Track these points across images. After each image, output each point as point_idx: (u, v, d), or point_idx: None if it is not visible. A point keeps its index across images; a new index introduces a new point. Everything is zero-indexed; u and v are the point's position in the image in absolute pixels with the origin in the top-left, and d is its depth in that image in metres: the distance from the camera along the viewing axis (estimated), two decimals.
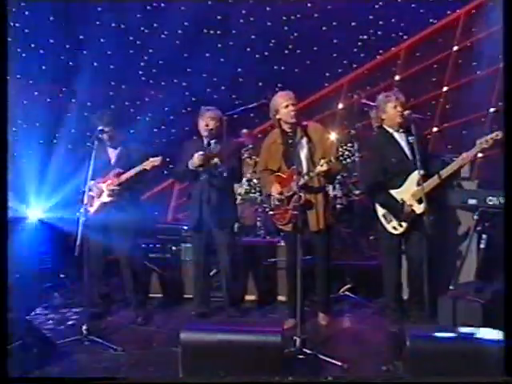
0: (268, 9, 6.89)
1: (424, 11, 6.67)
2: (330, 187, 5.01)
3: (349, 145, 3.90)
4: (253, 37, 7.04)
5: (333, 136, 5.59)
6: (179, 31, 6.90)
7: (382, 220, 4.12)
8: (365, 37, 7.06)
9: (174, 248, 5.12)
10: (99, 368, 3.58)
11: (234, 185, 4.78)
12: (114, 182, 4.35)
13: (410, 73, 6.71)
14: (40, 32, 6.65)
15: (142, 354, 3.81)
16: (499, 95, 6.09)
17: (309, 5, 6.86)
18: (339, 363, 3.56)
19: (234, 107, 6.84)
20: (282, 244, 4.90)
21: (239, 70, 6.99)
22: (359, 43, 7.14)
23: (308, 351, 3.66)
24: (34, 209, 5.91)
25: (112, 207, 4.41)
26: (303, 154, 4.12)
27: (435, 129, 6.56)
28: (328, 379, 3.40)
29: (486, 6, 6.37)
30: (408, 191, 4.03)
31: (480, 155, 5.48)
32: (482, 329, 3.17)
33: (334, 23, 7.09)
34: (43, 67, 6.70)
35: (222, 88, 6.94)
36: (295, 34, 7.09)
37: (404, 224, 4.04)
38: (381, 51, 7.04)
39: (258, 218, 5.61)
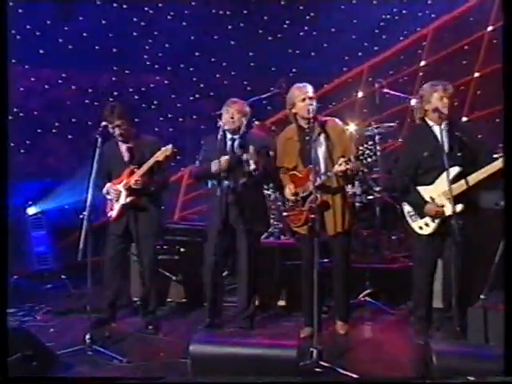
0: None
1: None
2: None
3: (370, 143, 3.84)
4: (265, 17, 6.94)
5: (352, 127, 5.55)
6: (186, 11, 6.82)
7: (408, 218, 4.06)
8: (388, 16, 6.93)
9: (182, 250, 5.11)
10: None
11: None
12: (130, 181, 4.31)
13: (437, 57, 6.56)
14: (36, 12, 6.58)
15: (148, 366, 3.80)
16: None
17: None
18: (358, 376, 3.53)
19: (246, 94, 6.80)
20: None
21: (251, 54, 6.93)
22: (381, 23, 7.01)
23: (325, 364, 3.64)
24: (31, 203, 5.95)
25: (133, 208, 4.37)
26: (321, 152, 4.08)
27: (464, 118, 6.42)
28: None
29: None
30: (438, 189, 3.93)
31: None
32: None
33: (354, 1, 6.97)
34: (40, 51, 6.65)
35: (233, 73, 6.90)
36: (311, 14, 6.99)
37: (432, 224, 3.96)
38: (405, 32, 6.89)
39: (272, 216, 5.55)
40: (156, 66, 6.94)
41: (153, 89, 6.95)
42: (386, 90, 5.39)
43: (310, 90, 4.10)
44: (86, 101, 6.81)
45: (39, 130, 6.67)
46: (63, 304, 5.06)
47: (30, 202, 5.80)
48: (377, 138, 5.38)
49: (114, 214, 4.40)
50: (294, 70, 6.92)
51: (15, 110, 6.49)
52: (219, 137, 4.16)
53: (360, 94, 6.39)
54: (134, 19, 6.80)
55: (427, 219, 3.95)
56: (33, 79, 6.69)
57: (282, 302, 4.94)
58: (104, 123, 4.20)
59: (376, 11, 6.87)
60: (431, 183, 3.96)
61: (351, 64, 6.90)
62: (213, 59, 6.84)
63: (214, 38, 6.89)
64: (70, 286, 5.47)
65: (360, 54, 6.98)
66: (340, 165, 3.83)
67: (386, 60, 6.71)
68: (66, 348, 3.92)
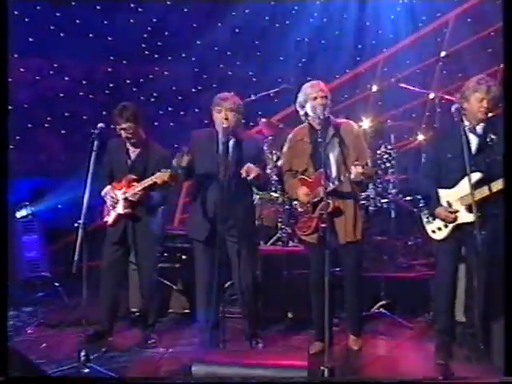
0: None
1: None
2: None
3: (389, 147, 3.79)
4: (272, 3, 6.85)
5: (366, 124, 5.49)
6: None
7: (424, 219, 4.06)
8: (405, 0, 6.82)
9: (184, 257, 5.07)
10: None
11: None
12: (128, 191, 4.30)
13: (459, 46, 6.41)
14: None
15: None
16: None
17: None
18: None
19: (251, 85, 6.75)
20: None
21: (257, 42, 6.85)
22: (398, 8, 6.90)
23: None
24: (21, 204, 5.87)
25: (129, 219, 4.37)
26: (334, 156, 4.02)
27: (490, 114, 6.31)
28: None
29: None
30: (457, 194, 3.88)
31: None
32: None
33: None
34: (30, 39, 6.57)
35: (238, 63, 6.83)
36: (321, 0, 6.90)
37: (444, 229, 3.92)
38: (424, 18, 6.78)
39: (280, 219, 5.51)
40: (155, 56, 6.87)
41: (152, 80, 6.89)
42: (402, 85, 5.32)
43: (323, 88, 4.04)
44: (80, 93, 6.76)
45: (29, 125, 6.61)
46: (56, 315, 5.00)
47: (21, 204, 5.73)
48: (392, 136, 5.33)
49: (110, 220, 4.38)
50: (303, 60, 6.85)
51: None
52: (214, 137, 4.07)
53: (374, 88, 6.27)
54: (131, 5, 6.72)
55: (440, 223, 3.94)
56: (22, 70, 6.62)
57: (290, 315, 4.90)
58: (101, 124, 4.13)
59: None
60: (452, 187, 3.91)
61: (364, 53, 6.84)
62: (216, 48, 6.76)
63: (218, 26, 6.79)
64: (63, 295, 5.42)
65: (374, 42, 6.87)
66: (355, 168, 3.78)
67: (403, 50, 6.61)
68: (59, 365, 3.86)
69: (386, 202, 5.39)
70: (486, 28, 6.33)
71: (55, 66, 6.78)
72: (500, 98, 3.85)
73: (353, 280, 4.20)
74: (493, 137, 3.83)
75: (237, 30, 6.81)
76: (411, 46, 6.64)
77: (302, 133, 4.16)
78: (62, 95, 6.76)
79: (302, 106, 4.08)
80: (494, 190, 3.75)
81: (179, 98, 6.87)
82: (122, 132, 4.29)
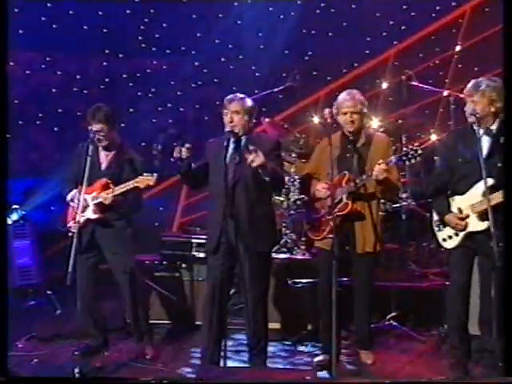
0: None
1: None
2: None
3: (415, 145, 3.87)
4: None
5: (375, 123, 5.44)
6: None
7: (435, 227, 4.08)
8: None
9: (183, 265, 5.05)
10: None
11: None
12: (101, 195, 4.25)
13: (476, 40, 6.33)
14: None
15: None
16: None
17: None
18: None
19: (255, 80, 6.69)
20: None
21: (260, 34, 6.75)
22: None
23: None
24: (13, 208, 5.83)
25: (99, 225, 4.33)
26: (360, 163, 4.15)
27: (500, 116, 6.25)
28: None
29: None
30: (469, 200, 3.86)
31: None
32: None
33: None
34: (20, 31, 6.49)
35: (240, 57, 6.75)
36: None
37: (455, 237, 3.91)
38: (438, 8, 6.67)
39: (284, 224, 5.50)
40: (153, 49, 6.81)
41: (149, 74, 6.84)
42: (414, 83, 5.27)
43: (356, 102, 4.17)
44: (74, 88, 6.71)
45: (20, 122, 6.55)
46: (49, 327, 4.96)
47: (11, 208, 5.69)
48: (403, 137, 5.31)
49: (76, 226, 4.08)
50: (309, 53, 6.79)
51: None
52: (224, 143, 3.99)
53: (385, 86, 6.21)
54: None
55: (451, 231, 3.94)
56: (12, 63, 6.53)
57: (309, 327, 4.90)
58: (95, 128, 4.17)
59: None
60: (463, 193, 3.91)
61: (374, 46, 6.73)
62: (217, 41, 6.67)
63: (219, 17, 6.71)
64: (56, 304, 5.40)
65: (384, 33, 6.78)
66: (379, 166, 3.89)
67: (416, 43, 6.54)
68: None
69: (396, 207, 5.33)
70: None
71: (47, 59, 6.73)
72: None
73: (364, 292, 4.24)
74: (503, 140, 3.79)
75: (239, 22, 6.71)
76: (424, 39, 6.57)
77: (335, 138, 4.22)
78: (54, 90, 6.73)
79: (336, 113, 4.19)
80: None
81: (178, 93, 6.79)
82: (96, 134, 4.25)
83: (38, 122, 6.71)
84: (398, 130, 5.39)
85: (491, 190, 3.69)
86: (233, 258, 4.03)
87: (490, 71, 5.65)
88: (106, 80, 6.70)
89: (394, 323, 4.83)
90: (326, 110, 4.03)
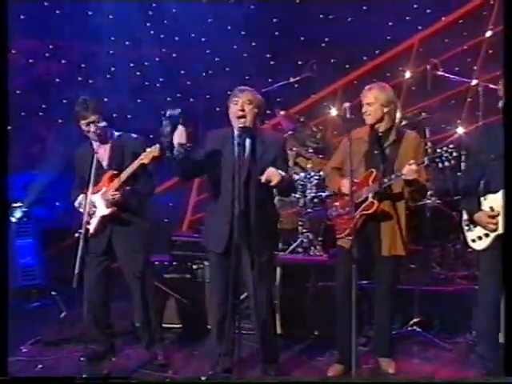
0: None
1: None
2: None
3: (450, 146, 3.79)
4: None
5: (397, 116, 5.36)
6: None
7: (464, 227, 4.04)
8: None
9: (194, 267, 5.04)
10: None
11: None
12: (110, 188, 4.21)
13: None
14: None
15: None
16: None
17: None
18: None
19: (269, 69, 6.64)
20: None
21: (275, 20, 6.67)
22: None
23: None
24: (15, 205, 5.84)
25: (114, 221, 4.28)
26: (390, 160, 4.11)
27: None
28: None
29: None
30: (501, 199, 3.79)
31: None
32: None
33: None
34: (21, 16, 6.48)
35: (253, 45, 6.67)
36: None
37: (485, 239, 3.86)
38: None
39: (300, 222, 5.47)
40: (161, 36, 6.79)
41: (158, 63, 6.82)
42: (440, 73, 5.23)
43: (375, 94, 4.14)
44: (79, 78, 6.69)
45: (22, 113, 6.54)
46: (54, 331, 4.97)
47: (14, 205, 5.70)
48: (427, 130, 5.28)
49: (92, 228, 4.21)
50: (326, 40, 6.72)
51: None
52: (229, 136, 3.95)
53: (408, 75, 6.11)
54: None
55: (481, 232, 3.89)
56: (13, 51, 6.54)
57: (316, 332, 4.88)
58: (103, 123, 4.15)
59: None
60: (496, 191, 3.84)
61: (397, 32, 6.62)
62: (229, 27, 6.61)
63: (230, 1, 6.66)
64: (61, 305, 5.39)
65: (408, 18, 6.66)
66: (410, 166, 3.84)
67: (442, 28, 6.43)
68: None
69: (419, 205, 5.25)
70: None
71: (50, 47, 6.73)
72: None
73: (387, 296, 4.18)
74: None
75: (252, 7, 6.63)
76: (452, 23, 6.46)
77: (363, 132, 4.22)
78: (58, 80, 6.73)
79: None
80: None
81: (188, 82, 6.78)
82: (91, 126, 4.20)
83: (40, 114, 6.72)
84: (422, 122, 5.30)
85: None
86: (241, 259, 3.95)
87: None
88: (112, 69, 6.66)
89: (418, 329, 4.75)
90: (346, 105, 3.94)
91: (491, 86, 5.21)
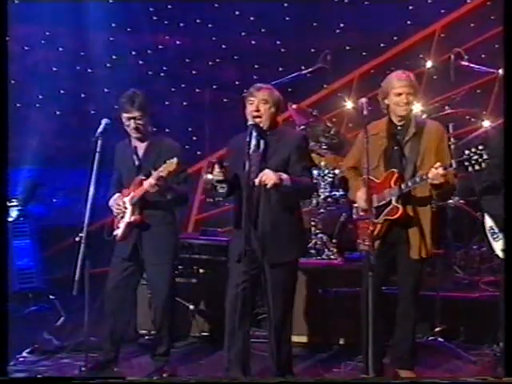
0: None
1: None
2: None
3: (480, 147, 3.68)
4: None
5: (417, 108, 5.29)
6: None
7: (489, 236, 4.06)
8: None
9: (201, 271, 5.04)
10: None
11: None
12: (136, 195, 4.25)
13: None
14: None
15: None
16: None
17: None
18: None
19: (279, 58, 6.59)
20: None
21: (285, 4, 6.61)
22: None
23: None
24: (11, 204, 5.78)
25: (139, 228, 4.32)
26: (411, 156, 4.05)
27: None
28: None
29: None
30: None
31: None
32: None
33: None
34: (15, 1, 6.45)
35: (262, 31, 6.63)
36: None
37: None
38: None
39: (313, 223, 5.42)
40: (165, 22, 6.77)
41: (161, 51, 6.81)
42: (463, 63, 5.20)
43: (411, 82, 4.06)
44: (77, 67, 6.69)
45: (18, 105, 6.50)
46: (52, 337, 4.91)
47: (9, 204, 5.67)
48: (450, 126, 5.25)
49: (119, 233, 4.32)
50: (341, 25, 6.68)
51: None
52: (247, 138, 3.90)
53: (429, 64, 6.04)
54: None
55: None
56: (7, 39, 6.49)
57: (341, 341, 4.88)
58: (106, 120, 4.13)
59: None
60: None
61: (417, 16, 6.58)
62: (237, 12, 6.57)
63: None
64: (60, 310, 5.37)
65: (430, 1, 6.60)
66: (436, 170, 3.78)
67: (467, 13, 6.33)
68: None
69: (441, 205, 5.18)
70: None
71: (47, 34, 6.72)
72: None
73: (411, 301, 4.16)
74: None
75: None
76: (478, 7, 6.37)
77: (380, 126, 4.15)
78: (55, 69, 6.72)
79: (384, 98, 4.09)
80: None
81: (193, 72, 6.75)
82: (131, 122, 4.24)
83: (37, 105, 6.72)
84: (445, 116, 5.23)
85: None
86: (257, 265, 3.98)
87: None
88: (113, 57, 6.66)
89: (440, 339, 4.71)
90: (363, 100, 3.92)
91: None
